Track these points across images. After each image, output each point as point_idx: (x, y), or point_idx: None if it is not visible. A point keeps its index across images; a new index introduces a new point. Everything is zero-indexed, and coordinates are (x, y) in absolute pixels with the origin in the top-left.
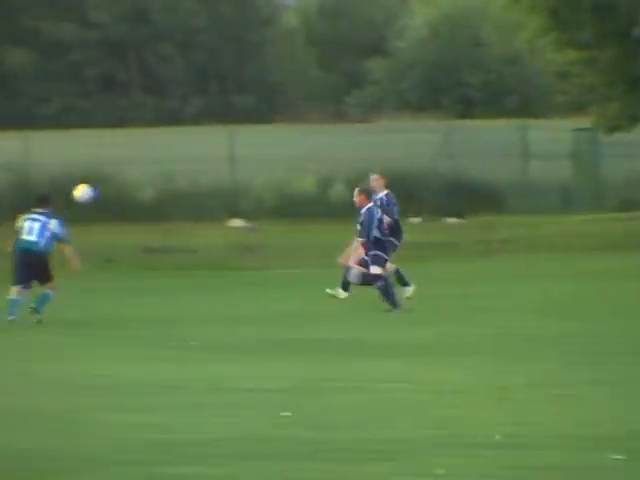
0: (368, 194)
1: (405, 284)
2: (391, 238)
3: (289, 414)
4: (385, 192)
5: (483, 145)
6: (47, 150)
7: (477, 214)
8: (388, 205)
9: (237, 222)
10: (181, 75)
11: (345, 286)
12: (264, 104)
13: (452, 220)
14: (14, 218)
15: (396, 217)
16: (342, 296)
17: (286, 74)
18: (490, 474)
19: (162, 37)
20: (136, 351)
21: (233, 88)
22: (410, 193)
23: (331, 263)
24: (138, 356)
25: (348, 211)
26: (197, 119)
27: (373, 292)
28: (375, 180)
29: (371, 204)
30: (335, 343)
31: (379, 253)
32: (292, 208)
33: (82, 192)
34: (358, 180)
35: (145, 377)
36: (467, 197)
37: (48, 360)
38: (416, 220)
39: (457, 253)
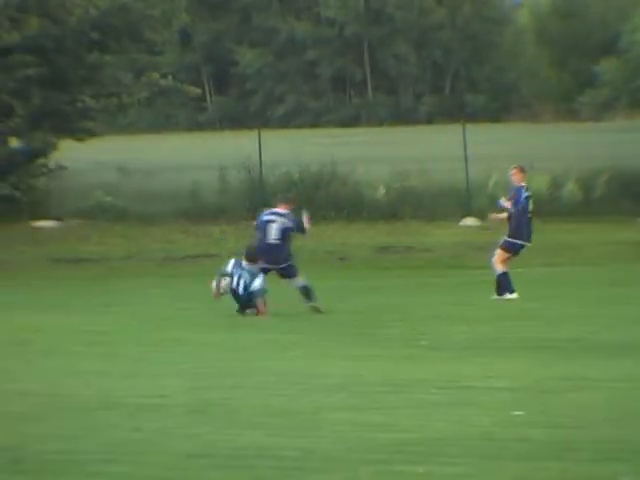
0: None
1: (512, 290)
2: (512, 239)
3: (521, 413)
4: (520, 185)
5: None
6: (279, 149)
7: None
8: (518, 200)
9: (470, 221)
10: (415, 73)
11: (503, 290)
12: (495, 103)
13: None
14: (249, 218)
15: (516, 210)
16: (512, 296)
17: (518, 73)
18: None
19: (397, 35)
20: (370, 350)
21: (465, 86)
22: None
23: (560, 262)
24: (371, 355)
25: (580, 210)
26: (430, 117)
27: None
28: (513, 174)
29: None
30: (565, 342)
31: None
32: None
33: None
34: (589, 180)
35: (377, 376)
36: None
37: (279, 360)
38: None
39: None
